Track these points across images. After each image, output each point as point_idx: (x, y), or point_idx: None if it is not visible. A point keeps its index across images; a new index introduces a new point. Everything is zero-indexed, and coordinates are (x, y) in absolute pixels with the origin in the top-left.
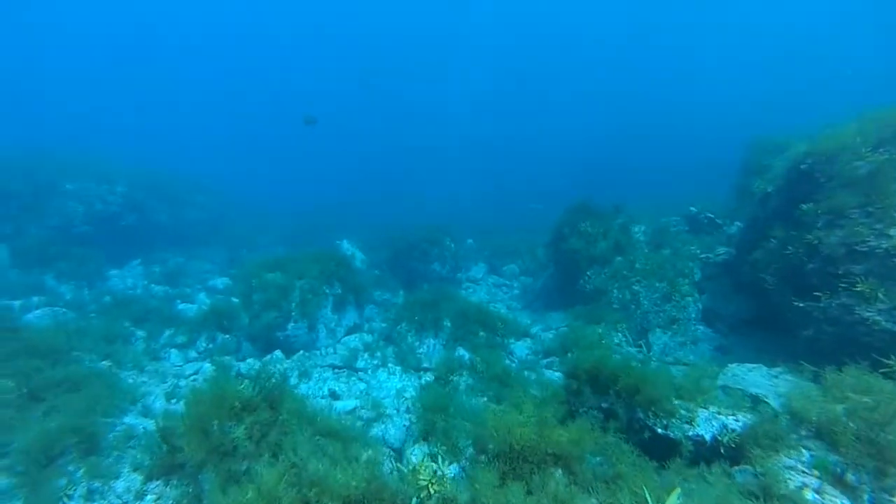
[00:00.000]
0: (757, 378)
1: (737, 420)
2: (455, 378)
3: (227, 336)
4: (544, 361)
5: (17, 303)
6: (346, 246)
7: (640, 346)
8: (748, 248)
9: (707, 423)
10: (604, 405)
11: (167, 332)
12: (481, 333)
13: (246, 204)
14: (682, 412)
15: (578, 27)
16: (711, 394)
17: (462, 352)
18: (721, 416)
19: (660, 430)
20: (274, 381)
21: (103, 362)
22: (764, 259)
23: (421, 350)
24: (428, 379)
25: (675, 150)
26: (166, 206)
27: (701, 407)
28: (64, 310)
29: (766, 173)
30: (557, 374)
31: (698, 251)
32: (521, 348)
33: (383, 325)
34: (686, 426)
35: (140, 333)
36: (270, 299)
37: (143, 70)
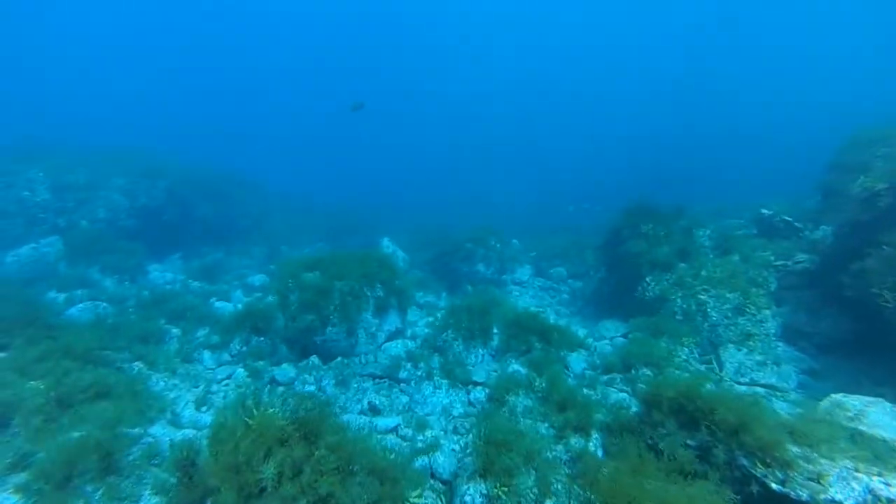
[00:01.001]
0: (882, 417)
1: (889, 486)
2: (511, 398)
3: (262, 339)
4: (604, 378)
5: (62, 296)
6: (387, 244)
7: (710, 364)
8: (844, 256)
9: (843, 483)
10: (691, 443)
11: (201, 332)
12: (536, 345)
13: (286, 200)
14: (803, 464)
15: (631, 23)
16: (838, 442)
17: (517, 366)
18: (861, 476)
19: (774, 486)
20: (311, 408)
21: (136, 363)
22: (877, 269)
23: (469, 360)
24: (478, 395)
25: (736, 150)
26: (208, 202)
27: (825, 457)
28: (105, 304)
29: (871, 170)
30: (622, 394)
31: (773, 258)
32: (576, 361)
33: (427, 330)
34: (813, 485)
35: (174, 332)
36: (308, 301)
37: (184, 64)
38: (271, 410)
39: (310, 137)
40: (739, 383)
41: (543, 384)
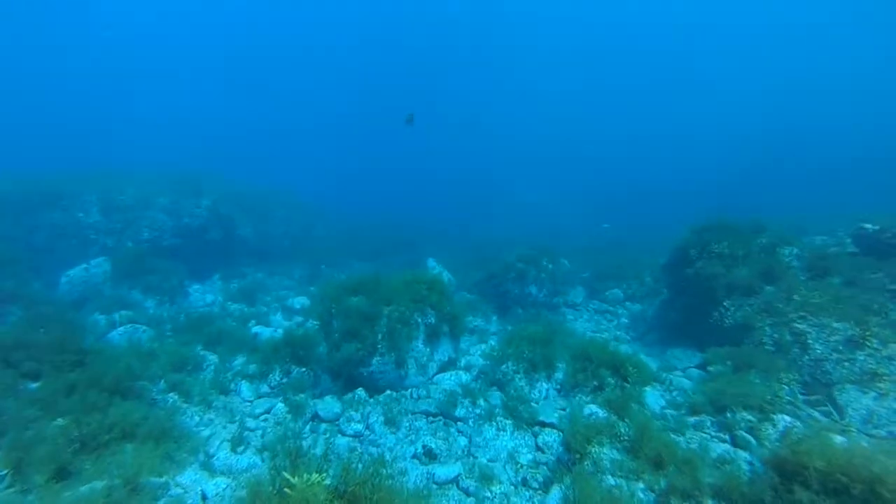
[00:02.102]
0: None
1: None
2: (594, 449)
3: (304, 369)
4: (691, 420)
5: (104, 318)
6: (432, 265)
7: (824, 407)
8: None
9: None
10: None
11: (239, 359)
12: (609, 380)
13: (327, 218)
14: None
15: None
16: None
17: (593, 408)
18: None
19: None
20: (360, 473)
21: (171, 395)
22: None
23: (533, 396)
24: (547, 439)
25: (796, 162)
26: (250, 220)
27: None
28: (144, 327)
29: None
30: (723, 445)
31: (887, 281)
32: (653, 398)
33: (482, 360)
34: None
35: (211, 358)
36: (352, 328)
37: (227, 83)
38: (315, 477)
39: (349, 156)
40: (875, 436)
41: (630, 431)
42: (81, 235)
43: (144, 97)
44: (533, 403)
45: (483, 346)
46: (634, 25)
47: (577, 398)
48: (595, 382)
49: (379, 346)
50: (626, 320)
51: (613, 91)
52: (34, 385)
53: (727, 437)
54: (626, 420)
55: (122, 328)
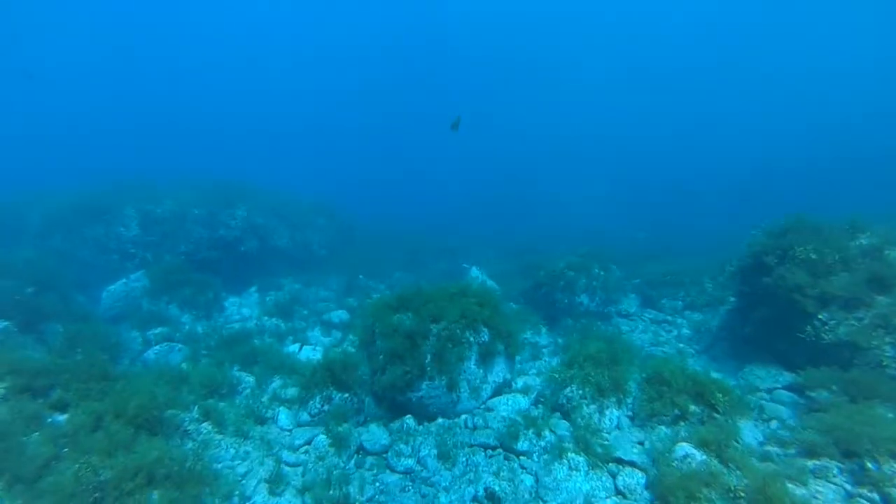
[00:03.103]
0: None
1: None
2: None
3: (346, 394)
4: (810, 465)
5: (140, 336)
6: (476, 273)
7: None
8: None
9: None
10: None
11: (277, 381)
12: (692, 408)
13: (362, 224)
14: None
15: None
16: None
17: (687, 448)
18: None
19: None
20: None
21: (204, 425)
22: None
23: (603, 425)
24: (629, 481)
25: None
26: (286, 230)
27: None
28: (180, 345)
29: None
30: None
31: None
32: (747, 429)
33: (539, 381)
34: None
35: (248, 380)
36: (398, 349)
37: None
38: None
39: (382, 159)
40: None
41: (744, 481)
42: (122, 249)
43: (181, 100)
44: (605, 434)
45: (538, 363)
46: (670, 17)
47: (657, 430)
48: (676, 411)
49: (428, 368)
50: (688, 331)
51: (647, 87)
52: (62, 417)
53: (875, 495)
54: (732, 465)
55: (157, 347)
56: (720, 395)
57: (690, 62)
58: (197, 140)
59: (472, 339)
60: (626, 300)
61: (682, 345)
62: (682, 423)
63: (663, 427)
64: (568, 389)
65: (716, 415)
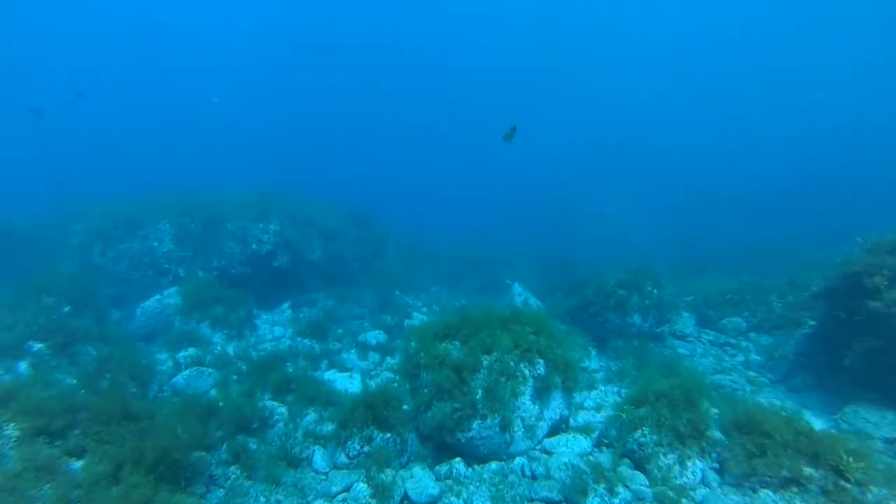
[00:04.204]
0: None
1: None
2: None
3: (388, 434)
4: None
5: (170, 359)
6: (519, 290)
7: None
8: None
9: None
10: None
11: (311, 415)
12: (809, 472)
13: (396, 235)
14: None
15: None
16: None
17: None
18: None
19: None
20: None
21: (232, 468)
22: None
23: (686, 480)
24: None
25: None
26: (319, 243)
27: None
28: (210, 370)
29: None
30: None
31: None
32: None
33: (599, 416)
34: None
35: (280, 412)
36: (445, 384)
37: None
38: None
39: (413, 167)
40: None
41: None
42: (157, 265)
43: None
44: (690, 492)
45: (594, 392)
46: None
47: (759, 495)
48: (786, 473)
49: (479, 405)
50: (758, 356)
51: (683, 96)
52: (78, 464)
53: None
54: None
55: (186, 372)
56: (851, 461)
57: (723, 70)
58: (226, 147)
59: (527, 371)
60: (680, 320)
61: (752, 372)
62: (795, 490)
63: (768, 492)
64: (639, 433)
65: (845, 483)
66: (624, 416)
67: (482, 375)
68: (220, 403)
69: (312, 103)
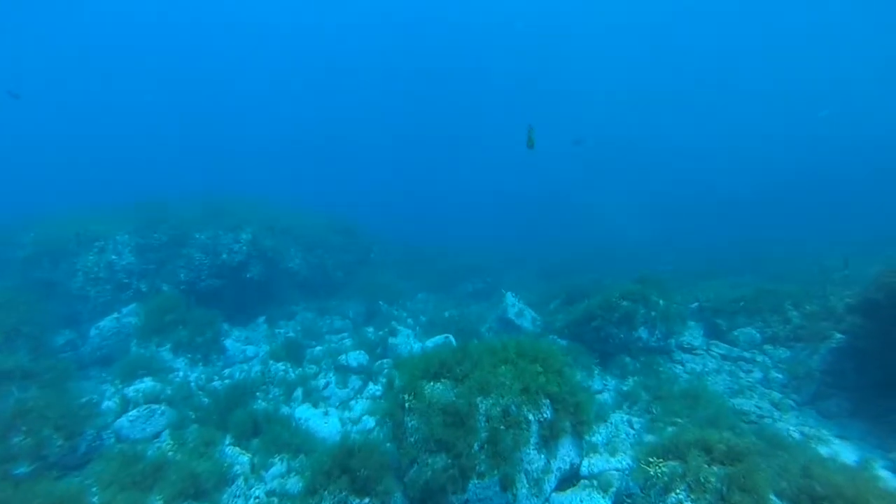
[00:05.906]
0: None
1: None
2: None
3: (366, 501)
4: None
5: (116, 393)
6: (511, 301)
7: None
8: None
9: None
10: None
11: (277, 466)
12: None
13: (382, 241)
14: None
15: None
16: None
17: None
18: None
19: None
20: None
21: None
22: None
23: None
24: None
25: None
26: (298, 251)
27: None
28: (163, 408)
29: None
30: None
31: None
32: None
33: (614, 461)
34: None
35: (242, 461)
36: (437, 434)
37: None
38: None
39: (402, 174)
40: None
41: None
42: (115, 280)
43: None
44: None
45: (604, 427)
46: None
47: None
48: None
49: (477, 459)
50: (779, 374)
51: (684, 97)
52: None
53: None
54: None
55: (133, 413)
56: None
57: (723, 71)
58: (208, 155)
59: (531, 416)
60: (686, 331)
61: (775, 393)
62: None
63: None
64: (673, 497)
65: None
66: (652, 471)
67: (480, 424)
68: (170, 454)
69: (305, 112)
